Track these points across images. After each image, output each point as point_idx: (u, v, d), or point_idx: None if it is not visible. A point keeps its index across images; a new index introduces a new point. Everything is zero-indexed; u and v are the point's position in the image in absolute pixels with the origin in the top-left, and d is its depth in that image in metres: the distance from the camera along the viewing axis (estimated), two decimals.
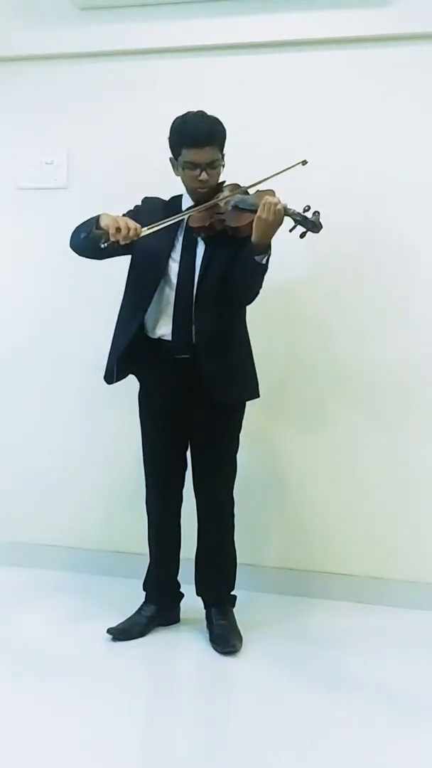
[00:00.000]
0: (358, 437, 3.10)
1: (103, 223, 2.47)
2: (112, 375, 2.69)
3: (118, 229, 2.42)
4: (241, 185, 2.59)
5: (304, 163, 2.47)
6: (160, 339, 2.62)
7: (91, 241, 2.51)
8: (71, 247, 2.65)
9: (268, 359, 2.96)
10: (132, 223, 2.44)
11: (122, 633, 2.71)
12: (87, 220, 2.57)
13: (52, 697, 2.37)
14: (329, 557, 3.13)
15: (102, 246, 2.47)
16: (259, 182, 2.51)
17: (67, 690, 2.41)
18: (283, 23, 3.02)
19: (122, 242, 2.44)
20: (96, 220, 2.51)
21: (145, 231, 2.46)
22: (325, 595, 3.09)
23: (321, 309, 3.10)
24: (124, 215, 2.64)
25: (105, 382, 2.72)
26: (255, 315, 2.76)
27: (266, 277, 2.55)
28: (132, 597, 2.83)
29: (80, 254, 2.65)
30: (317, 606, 3.04)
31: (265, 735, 2.19)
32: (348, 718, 2.27)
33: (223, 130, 2.57)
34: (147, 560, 2.83)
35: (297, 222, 2.42)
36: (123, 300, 2.72)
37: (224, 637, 2.68)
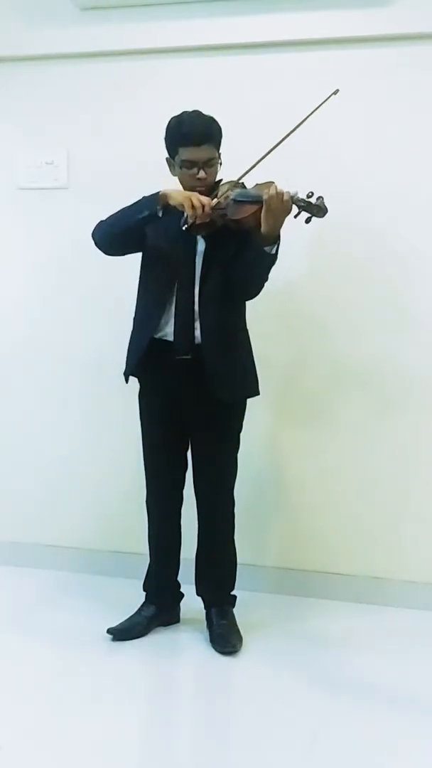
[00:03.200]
0: (358, 437, 3.10)
1: (174, 200, 2.44)
2: (129, 376, 2.71)
3: (193, 206, 2.40)
4: (239, 175, 2.58)
5: (336, 92, 2.43)
6: (161, 339, 2.62)
7: (149, 219, 2.44)
8: (103, 237, 2.60)
9: (269, 358, 2.96)
10: (204, 199, 2.41)
11: (122, 633, 2.71)
12: (134, 204, 2.54)
13: (52, 696, 2.37)
14: (329, 557, 3.13)
15: (183, 228, 2.42)
16: (268, 152, 2.48)
17: (67, 690, 2.41)
18: (283, 23, 3.02)
19: (199, 221, 2.40)
20: (154, 199, 2.47)
21: (213, 202, 2.43)
22: (325, 595, 3.10)
23: (323, 308, 3.10)
24: None
25: (123, 381, 2.73)
26: (257, 314, 2.76)
27: (271, 276, 2.54)
28: (132, 597, 2.83)
29: (110, 246, 2.61)
30: (317, 606, 3.04)
31: (265, 735, 2.19)
32: (348, 718, 2.27)
33: (219, 129, 2.58)
34: (147, 560, 2.83)
35: (301, 208, 2.42)
36: (138, 300, 2.71)
37: (224, 637, 2.68)
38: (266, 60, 3.08)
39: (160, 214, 2.49)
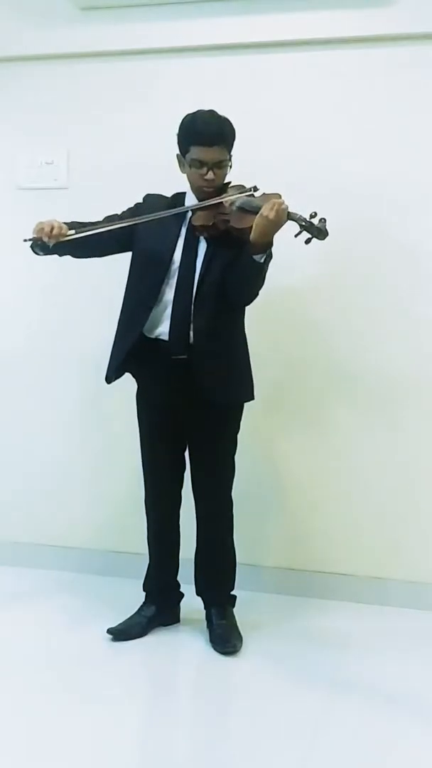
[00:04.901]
0: (359, 437, 3.10)
1: (35, 228, 2.54)
2: (112, 376, 2.70)
3: (42, 230, 2.49)
4: (246, 186, 2.59)
5: (255, 189, 2.53)
6: (157, 339, 2.61)
7: (38, 248, 2.56)
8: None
9: (269, 360, 2.97)
10: (57, 224, 2.50)
11: (122, 633, 2.71)
12: None
13: (52, 696, 2.36)
14: (329, 557, 3.13)
15: (36, 252, 2.58)
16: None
17: (67, 690, 2.41)
18: (284, 23, 3.02)
19: (47, 240, 2.49)
20: None
21: (72, 235, 2.52)
22: (325, 595, 3.09)
23: (323, 311, 3.09)
24: (123, 212, 2.68)
25: (105, 382, 2.72)
26: (256, 316, 2.76)
27: (268, 278, 2.54)
28: (132, 597, 2.83)
29: (74, 257, 2.70)
30: (317, 606, 3.04)
31: (265, 735, 2.18)
32: (348, 718, 2.27)
33: (233, 131, 2.57)
34: (147, 560, 2.83)
35: (303, 228, 2.40)
36: (125, 299, 2.71)
37: (224, 637, 2.68)
38: (266, 60, 3.08)
39: (36, 250, 2.58)
